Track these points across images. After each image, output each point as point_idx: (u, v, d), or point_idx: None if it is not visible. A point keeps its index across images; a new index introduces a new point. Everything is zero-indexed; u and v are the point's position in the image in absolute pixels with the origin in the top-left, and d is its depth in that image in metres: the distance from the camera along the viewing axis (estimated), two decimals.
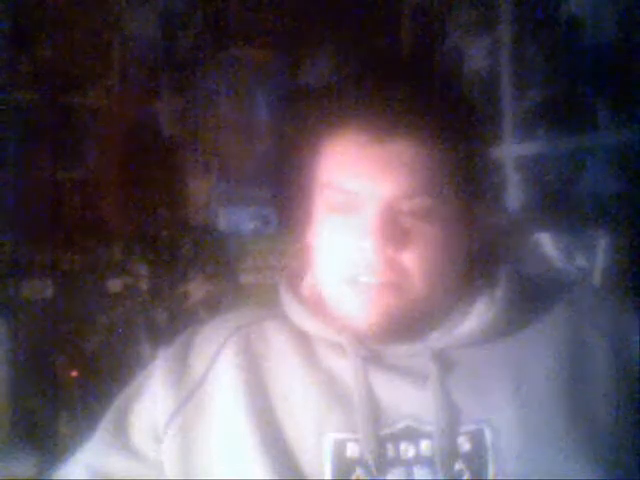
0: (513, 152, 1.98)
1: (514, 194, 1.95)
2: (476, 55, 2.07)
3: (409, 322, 0.76)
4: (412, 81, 0.78)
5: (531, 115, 1.95)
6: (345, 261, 0.75)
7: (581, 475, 0.69)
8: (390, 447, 0.72)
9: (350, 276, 0.75)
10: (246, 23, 2.11)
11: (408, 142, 0.73)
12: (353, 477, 0.71)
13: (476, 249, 0.82)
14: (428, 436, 0.72)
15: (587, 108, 1.79)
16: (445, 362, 0.75)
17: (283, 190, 0.83)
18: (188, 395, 0.79)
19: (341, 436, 0.72)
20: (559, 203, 1.82)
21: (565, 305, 0.80)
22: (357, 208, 0.74)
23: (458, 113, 0.78)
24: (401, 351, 0.77)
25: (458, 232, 0.77)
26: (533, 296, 0.80)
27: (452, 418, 0.72)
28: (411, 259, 0.73)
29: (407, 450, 0.72)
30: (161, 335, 1.81)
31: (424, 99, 0.76)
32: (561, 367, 0.75)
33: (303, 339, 0.80)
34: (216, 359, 0.81)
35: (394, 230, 0.73)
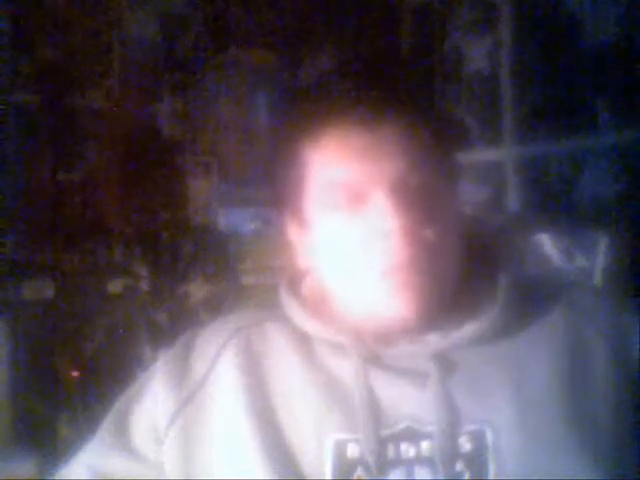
0: (513, 153, 1.98)
1: (515, 195, 1.95)
2: (476, 55, 2.08)
3: (439, 306, 0.76)
4: (401, 70, 0.82)
5: (531, 116, 1.95)
6: (368, 255, 0.74)
7: (581, 475, 0.69)
8: (391, 447, 0.72)
9: (376, 268, 0.74)
10: (246, 24, 2.11)
11: (399, 125, 0.75)
12: (354, 477, 0.71)
13: (476, 248, 0.82)
14: (429, 436, 0.72)
15: (587, 109, 1.80)
16: (445, 363, 0.75)
17: (282, 193, 0.83)
18: (189, 396, 0.80)
19: (342, 436, 0.72)
20: (559, 204, 1.82)
21: (565, 306, 0.80)
22: (367, 197, 0.74)
23: (433, 98, 0.83)
24: (401, 351, 0.77)
25: (455, 211, 0.80)
26: (533, 297, 0.81)
27: (453, 418, 0.72)
28: (433, 233, 0.74)
29: (408, 450, 0.72)
30: (162, 336, 1.81)
31: (407, 87, 0.80)
32: (561, 367, 0.75)
33: (303, 340, 0.80)
34: (217, 360, 0.81)
35: (408, 206, 0.73)
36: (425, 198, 0.74)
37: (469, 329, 0.76)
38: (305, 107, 0.83)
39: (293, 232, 0.83)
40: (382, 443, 0.72)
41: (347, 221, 0.75)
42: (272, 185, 0.85)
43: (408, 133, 0.76)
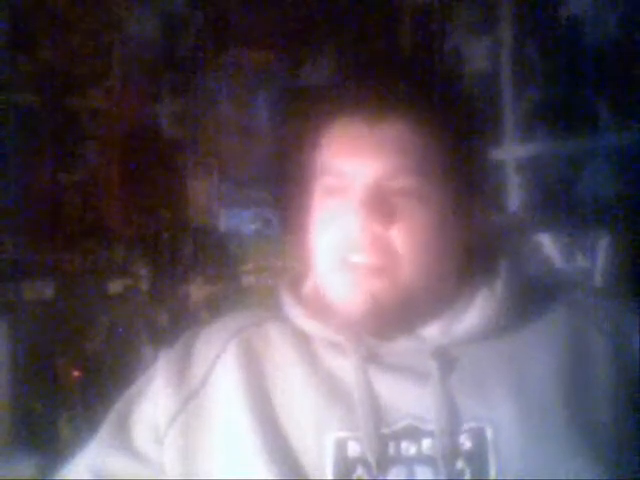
0: (514, 153, 1.98)
1: (515, 195, 1.95)
2: (476, 55, 2.08)
3: (399, 311, 0.76)
4: (401, 69, 0.82)
5: (531, 116, 1.95)
6: (335, 242, 0.76)
7: (582, 474, 0.69)
8: (391, 446, 0.72)
9: (339, 258, 0.75)
10: (246, 25, 2.11)
11: (397, 124, 0.75)
12: (354, 476, 0.71)
13: (475, 242, 0.81)
14: (429, 435, 0.72)
15: (587, 109, 1.80)
16: (446, 360, 0.75)
17: (284, 183, 0.84)
18: (189, 396, 0.80)
19: (342, 435, 0.73)
20: (560, 204, 1.82)
21: (566, 305, 0.80)
22: (347, 188, 0.75)
23: (446, 100, 0.80)
24: (401, 349, 0.77)
25: (452, 219, 0.77)
26: (534, 295, 0.81)
27: (453, 416, 0.72)
28: (398, 239, 0.74)
29: (408, 449, 0.72)
30: (162, 336, 1.81)
31: (412, 85, 0.78)
32: (562, 366, 0.75)
33: (304, 340, 0.81)
34: (217, 361, 0.81)
35: (380, 207, 0.73)
36: (406, 204, 0.74)
37: (469, 323, 0.77)
38: (315, 100, 0.84)
39: (296, 223, 0.84)
40: (383, 441, 0.72)
41: (328, 207, 0.77)
42: (276, 175, 0.87)
43: (407, 134, 0.75)
